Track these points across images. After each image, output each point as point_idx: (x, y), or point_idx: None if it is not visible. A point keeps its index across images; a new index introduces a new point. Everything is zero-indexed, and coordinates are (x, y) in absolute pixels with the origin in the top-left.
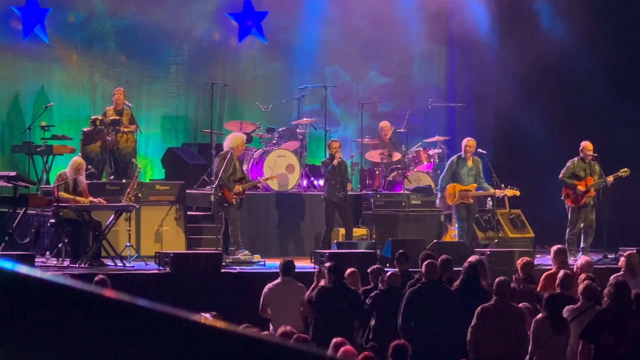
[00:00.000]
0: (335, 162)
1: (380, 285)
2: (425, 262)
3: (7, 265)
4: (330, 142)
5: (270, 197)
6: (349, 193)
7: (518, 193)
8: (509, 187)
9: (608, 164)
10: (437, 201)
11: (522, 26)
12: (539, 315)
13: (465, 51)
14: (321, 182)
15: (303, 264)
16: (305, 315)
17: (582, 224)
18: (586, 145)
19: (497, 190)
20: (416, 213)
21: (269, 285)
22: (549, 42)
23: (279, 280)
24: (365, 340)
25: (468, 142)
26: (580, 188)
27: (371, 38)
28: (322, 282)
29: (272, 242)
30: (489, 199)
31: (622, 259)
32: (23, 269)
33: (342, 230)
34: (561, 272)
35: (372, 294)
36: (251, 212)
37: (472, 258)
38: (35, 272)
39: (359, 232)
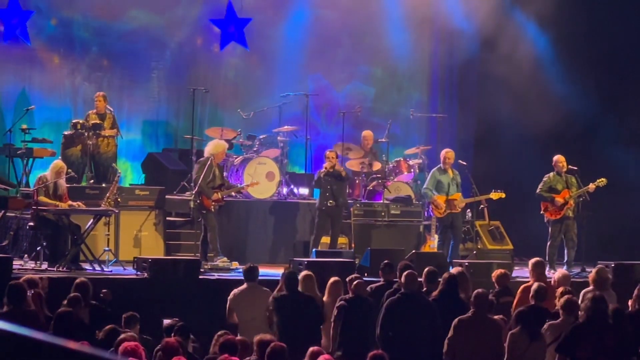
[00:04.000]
0: (322, 171)
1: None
2: (405, 273)
3: None
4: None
5: (250, 205)
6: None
7: (503, 195)
8: (492, 190)
9: (588, 176)
10: (431, 212)
11: (505, 38)
12: (514, 329)
13: (448, 62)
14: (302, 190)
15: (281, 272)
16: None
17: (562, 237)
18: (558, 158)
19: (481, 196)
20: (395, 223)
21: (234, 291)
22: (532, 56)
23: (244, 286)
24: (331, 350)
25: (447, 153)
26: (559, 200)
27: (354, 47)
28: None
29: (251, 250)
30: (469, 210)
31: (591, 274)
32: None
33: (325, 239)
34: (535, 285)
35: (337, 304)
36: (231, 219)
37: (454, 270)
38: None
39: (338, 240)
